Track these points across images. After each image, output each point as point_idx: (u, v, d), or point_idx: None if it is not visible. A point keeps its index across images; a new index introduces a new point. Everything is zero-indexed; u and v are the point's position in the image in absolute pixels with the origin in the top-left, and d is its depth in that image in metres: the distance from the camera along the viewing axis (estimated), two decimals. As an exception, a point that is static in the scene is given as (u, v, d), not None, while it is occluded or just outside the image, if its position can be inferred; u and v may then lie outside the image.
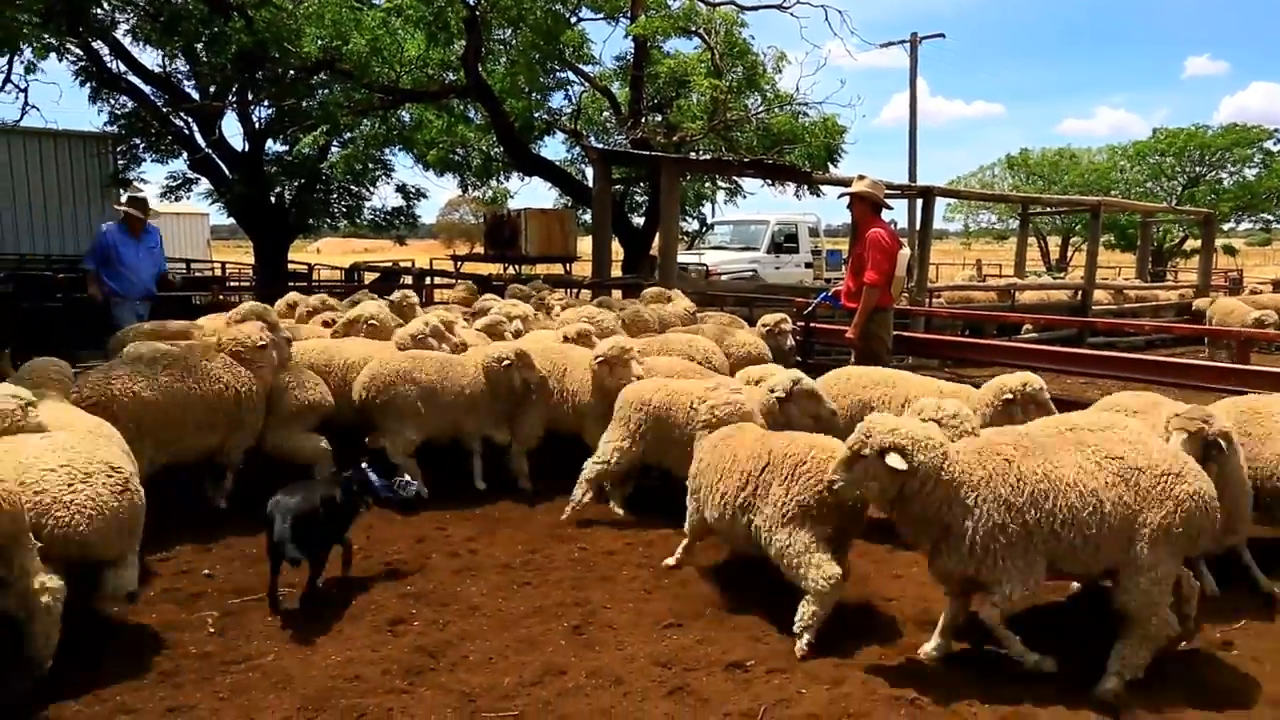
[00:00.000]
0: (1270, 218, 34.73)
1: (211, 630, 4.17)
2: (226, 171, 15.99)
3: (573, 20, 16.12)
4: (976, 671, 3.81)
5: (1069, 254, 36.35)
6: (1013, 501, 3.56)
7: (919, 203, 15.25)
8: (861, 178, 7.47)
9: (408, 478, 4.83)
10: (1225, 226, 33.87)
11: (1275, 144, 32.17)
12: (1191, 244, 30.40)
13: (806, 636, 3.94)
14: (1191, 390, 9.14)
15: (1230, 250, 36.06)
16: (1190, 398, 10.23)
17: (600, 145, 16.70)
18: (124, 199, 8.96)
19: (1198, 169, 33.27)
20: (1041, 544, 3.57)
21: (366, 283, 14.71)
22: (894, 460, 3.53)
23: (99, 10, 13.64)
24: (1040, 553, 3.58)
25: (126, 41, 14.70)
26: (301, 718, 3.46)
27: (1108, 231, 30.20)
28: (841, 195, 7.45)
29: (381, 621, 4.25)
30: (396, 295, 8.36)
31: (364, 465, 4.74)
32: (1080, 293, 16.98)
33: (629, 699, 3.60)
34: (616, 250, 15.56)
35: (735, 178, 19.79)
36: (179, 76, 16.02)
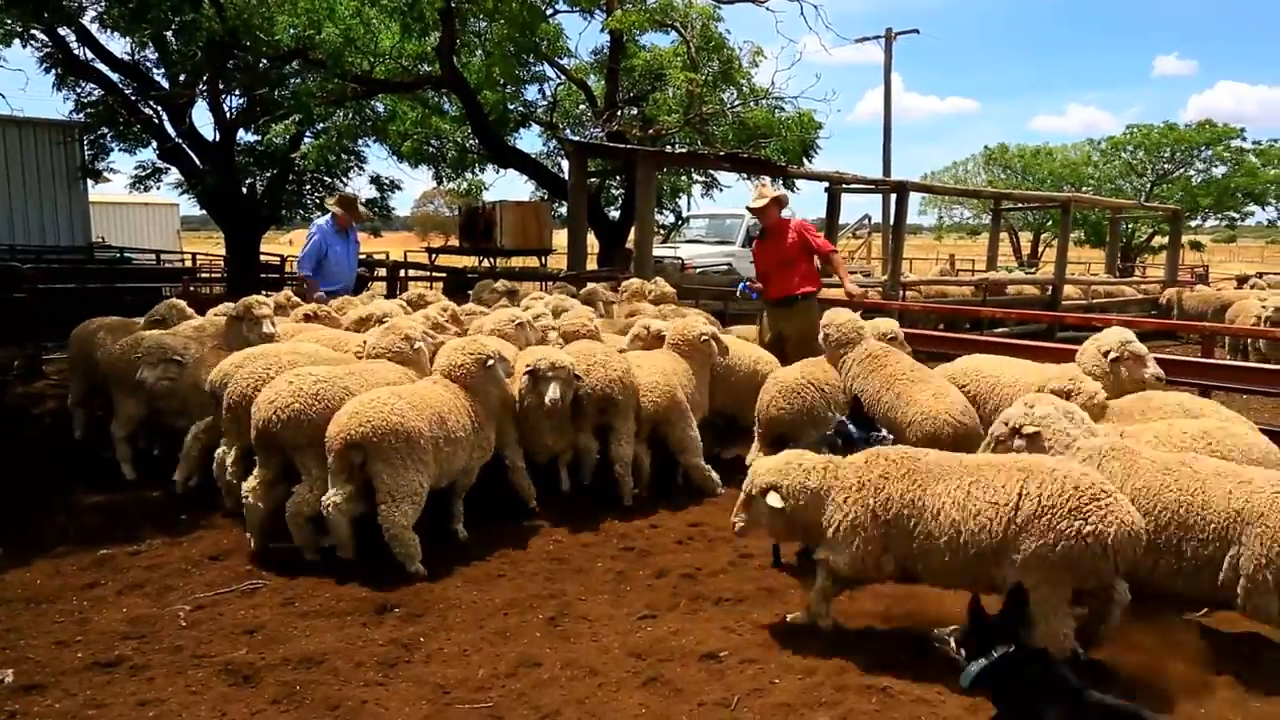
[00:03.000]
0: (1236, 215, 35.35)
1: (183, 624, 4.14)
2: (197, 161, 15.76)
3: (549, 13, 16.04)
4: (946, 661, 3.86)
5: (1040, 249, 36.78)
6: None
7: (893, 197, 15.36)
8: (763, 185, 8.36)
9: (884, 431, 4.92)
10: (1192, 223, 34.41)
11: (1246, 142, 32.75)
12: (1159, 240, 30.86)
13: None
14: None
15: (1197, 246, 36.67)
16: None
17: (576, 138, 16.65)
18: (333, 199, 9.13)
19: (1166, 166, 33.78)
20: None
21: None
22: (772, 499, 3.93)
23: (65, -5, 13.38)
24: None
25: (94, 28, 14.43)
26: (275, 711, 3.45)
27: (1078, 227, 30.58)
28: (757, 202, 7.84)
29: (355, 614, 4.23)
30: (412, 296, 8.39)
31: (844, 419, 4.92)
32: (1050, 288, 17.20)
33: (604, 690, 3.62)
34: (592, 243, 15.53)
35: (711, 171, 19.82)
36: (148, 65, 15.75)
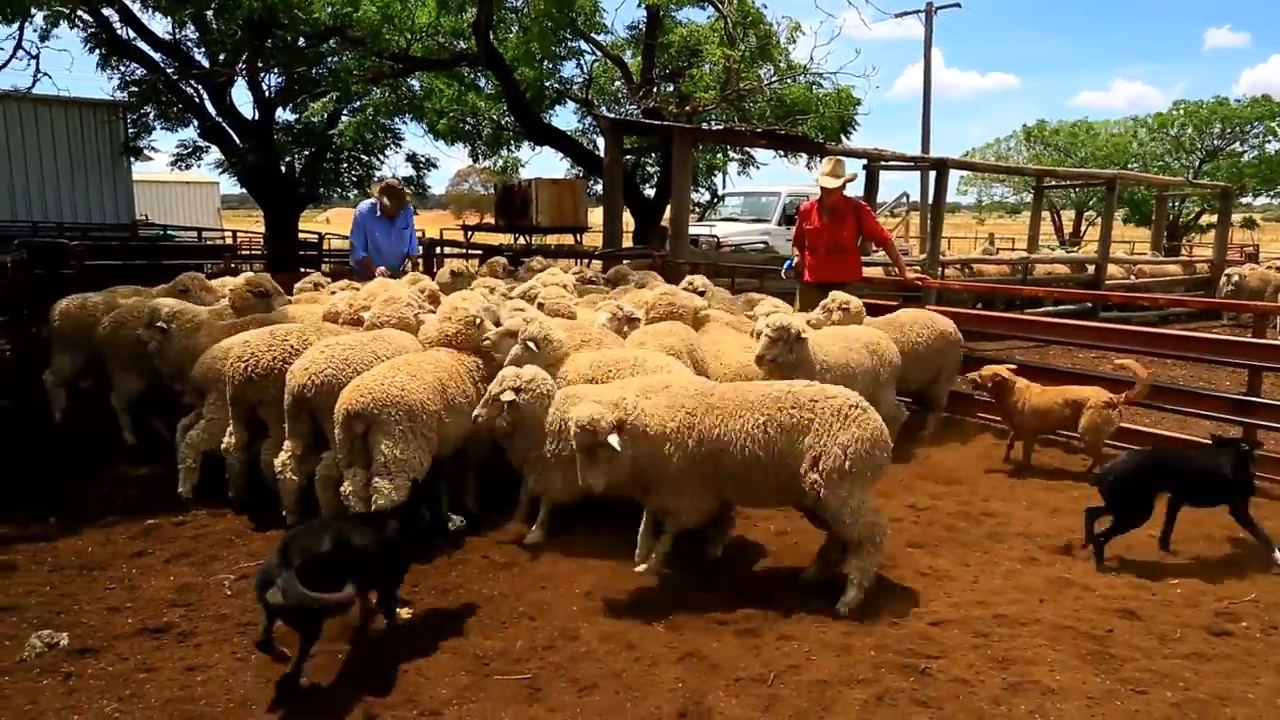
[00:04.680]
0: (1289, 191, 34.24)
1: (228, 593, 4.23)
2: (237, 140, 15.96)
3: (586, -12, 15.93)
4: (984, 640, 3.84)
5: (1083, 228, 35.97)
6: None
7: (932, 175, 15.10)
8: (839, 162, 7.98)
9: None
10: (1244, 200, 33.44)
11: None
12: (1207, 218, 30.04)
13: None
14: (1202, 363, 9.12)
15: (1250, 224, 35.72)
16: (1200, 371, 10.17)
17: (612, 115, 16.56)
18: (377, 185, 9.37)
19: (1216, 142, 32.81)
20: None
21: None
22: (507, 396, 4.52)
23: (109, -24, 13.56)
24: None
25: (136, 8, 14.62)
26: (317, 678, 3.51)
27: (1123, 205, 29.85)
28: (829, 182, 7.67)
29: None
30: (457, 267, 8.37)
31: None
32: (1094, 267, 16.87)
33: (640, 663, 3.64)
34: (628, 221, 15.46)
35: (747, 148, 19.62)
36: (189, 44, 15.94)
